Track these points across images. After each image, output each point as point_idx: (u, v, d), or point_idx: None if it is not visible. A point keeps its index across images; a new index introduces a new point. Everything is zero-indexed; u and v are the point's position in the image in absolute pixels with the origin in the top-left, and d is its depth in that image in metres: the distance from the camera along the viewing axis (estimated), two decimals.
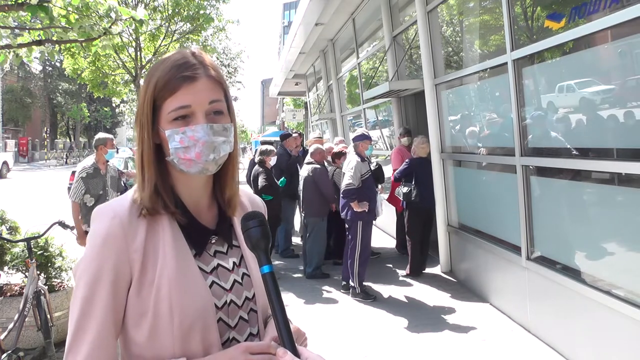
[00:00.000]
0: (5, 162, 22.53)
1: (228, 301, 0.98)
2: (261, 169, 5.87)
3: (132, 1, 14.90)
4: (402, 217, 6.02)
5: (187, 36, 15.66)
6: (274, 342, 0.93)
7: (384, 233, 8.16)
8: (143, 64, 15.30)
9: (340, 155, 5.99)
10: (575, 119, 3.53)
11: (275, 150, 6.34)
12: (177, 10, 14.79)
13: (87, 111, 41.82)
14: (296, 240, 7.18)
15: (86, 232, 4.05)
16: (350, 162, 5.04)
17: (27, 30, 4.36)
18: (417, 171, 5.59)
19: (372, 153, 6.99)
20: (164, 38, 15.29)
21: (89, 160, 4.55)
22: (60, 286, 3.89)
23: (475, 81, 5.00)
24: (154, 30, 15.20)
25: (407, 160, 5.78)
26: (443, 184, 5.65)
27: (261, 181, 5.76)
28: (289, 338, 0.80)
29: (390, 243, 7.34)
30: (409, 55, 6.87)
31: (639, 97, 2.90)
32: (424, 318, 4.41)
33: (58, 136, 46.42)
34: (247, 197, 1.17)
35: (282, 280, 5.64)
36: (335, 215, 5.75)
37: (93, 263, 0.90)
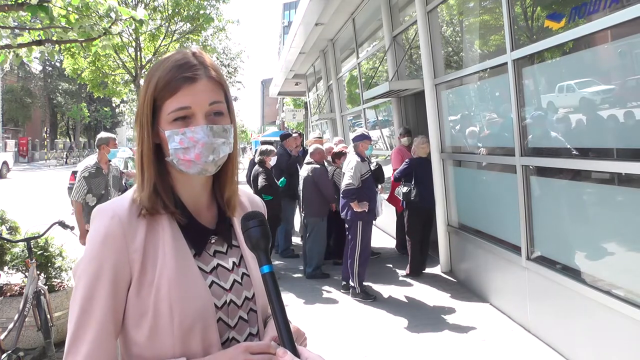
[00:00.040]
0: (5, 162, 22.52)
1: (228, 301, 0.98)
2: (261, 169, 5.87)
3: (132, 1, 14.90)
4: (402, 217, 6.02)
5: (187, 36, 15.67)
6: (274, 342, 0.93)
7: (384, 233, 8.15)
8: (143, 64, 15.31)
9: (340, 155, 5.99)
10: (575, 119, 3.53)
11: (275, 150, 6.33)
12: (177, 10, 14.79)
13: (87, 111, 41.80)
14: (296, 240, 7.17)
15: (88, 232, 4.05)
16: (350, 162, 5.04)
17: (27, 30, 4.36)
18: (417, 171, 5.58)
19: (372, 153, 7.00)
20: (164, 38, 15.29)
21: (91, 160, 4.56)
22: (60, 286, 3.89)
23: (475, 81, 5.00)
24: (154, 30, 15.21)
25: (407, 160, 5.78)
26: (443, 184, 5.65)
27: (261, 181, 5.76)
28: (288, 338, 0.80)
29: (390, 243, 7.34)
30: (409, 55, 6.87)
31: (639, 97, 2.90)
32: (424, 318, 4.41)
33: (58, 136, 46.40)
34: (247, 197, 1.17)
35: (282, 280, 5.64)
36: (335, 215, 5.75)
37: (93, 262, 0.90)
